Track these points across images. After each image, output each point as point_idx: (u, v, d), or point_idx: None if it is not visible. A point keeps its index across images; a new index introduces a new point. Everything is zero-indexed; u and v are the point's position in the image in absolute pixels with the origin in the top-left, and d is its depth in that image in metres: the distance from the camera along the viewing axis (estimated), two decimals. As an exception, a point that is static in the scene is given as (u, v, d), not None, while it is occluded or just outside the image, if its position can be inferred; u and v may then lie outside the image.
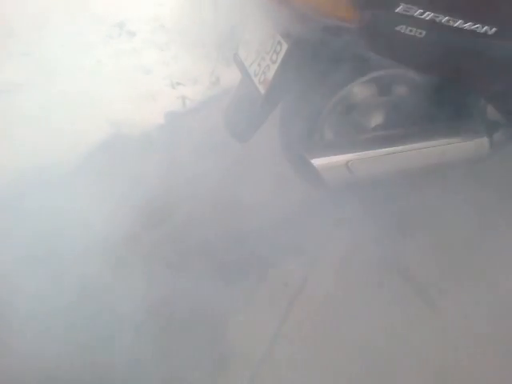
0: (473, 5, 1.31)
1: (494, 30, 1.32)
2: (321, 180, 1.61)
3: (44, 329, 1.60)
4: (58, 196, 1.97)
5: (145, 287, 1.71)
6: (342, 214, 1.96)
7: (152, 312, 1.66)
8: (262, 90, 1.49)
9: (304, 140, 1.63)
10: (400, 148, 1.64)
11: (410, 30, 1.30)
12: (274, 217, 1.98)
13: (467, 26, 1.30)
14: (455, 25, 1.29)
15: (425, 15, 1.27)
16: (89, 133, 2.25)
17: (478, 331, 1.62)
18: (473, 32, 1.32)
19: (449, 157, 1.68)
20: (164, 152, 2.28)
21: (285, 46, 1.43)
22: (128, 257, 1.82)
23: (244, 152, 2.21)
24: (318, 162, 1.55)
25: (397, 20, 1.28)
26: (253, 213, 1.97)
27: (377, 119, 1.76)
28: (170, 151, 2.28)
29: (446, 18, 1.28)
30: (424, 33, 1.30)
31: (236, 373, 1.55)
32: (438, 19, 1.28)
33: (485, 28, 1.32)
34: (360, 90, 1.71)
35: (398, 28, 1.29)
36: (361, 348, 1.60)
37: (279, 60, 1.45)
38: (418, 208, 1.99)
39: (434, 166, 1.75)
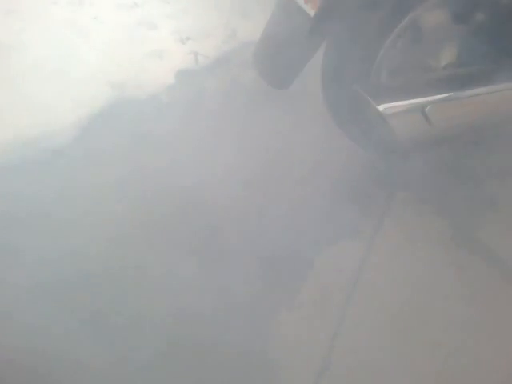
0: None
1: None
2: (387, 136, 1.21)
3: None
4: (50, 171, 1.62)
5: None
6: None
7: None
8: (309, 10, 1.09)
9: (361, 82, 1.23)
10: (488, 89, 1.24)
11: None
12: (317, 191, 1.61)
13: None
14: None
15: None
16: (86, 97, 1.86)
17: None
18: None
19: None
20: (176, 116, 1.90)
21: None
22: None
23: (269, 112, 1.85)
24: (387, 109, 1.15)
25: None
26: (291, 187, 1.60)
27: (450, 55, 1.36)
28: (182, 114, 1.91)
29: None
30: None
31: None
32: None
33: None
34: (429, 16, 1.31)
35: None
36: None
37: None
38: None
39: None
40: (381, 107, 1.17)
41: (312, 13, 1.09)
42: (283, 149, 1.74)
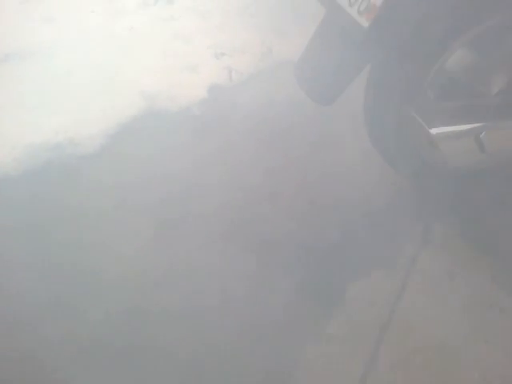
0: None
1: None
2: (436, 161, 1.12)
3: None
4: (75, 177, 1.57)
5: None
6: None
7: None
8: (364, 21, 1.02)
9: (410, 103, 1.15)
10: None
11: None
12: (352, 218, 1.52)
13: None
14: None
15: None
16: (118, 107, 1.83)
17: None
18: None
19: None
20: (205, 129, 1.84)
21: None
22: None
23: (306, 130, 1.78)
24: (439, 133, 1.06)
25: None
26: (327, 210, 1.52)
27: (503, 81, 1.28)
28: (212, 128, 1.85)
29: None
30: None
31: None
32: None
33: None
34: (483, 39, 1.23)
35: None
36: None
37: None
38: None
39: None
40: (433, 131, 1.08)
41: (366, 24, 1.02)
42: (314, 168, 1.67)
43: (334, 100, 1.19)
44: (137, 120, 1.83)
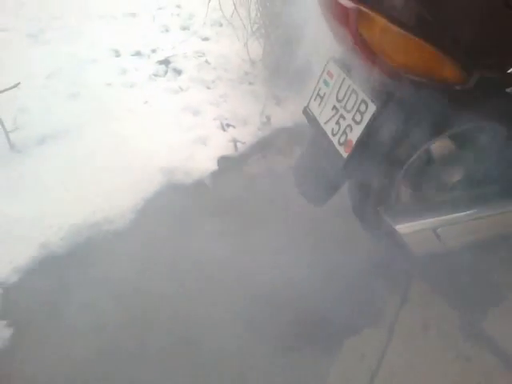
0: None
1: None
2: (404, 247, 1.45)
3: None
4: (113, 252, 1.87)
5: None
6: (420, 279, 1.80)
7: None
8: (343, 152, 1.36)
9: (382, 202, 1.48)
10: (496, 210, 1.47)
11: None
12: (341, 282, 1.82)
13: None
14: None
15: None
16: (142, 184, 2.14)
17: None
18: None
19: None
20: (217, 199, 2.16)
21: (372, 107, 1.29)
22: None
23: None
24: (403, 228, 1.39)
25: (509, 82, 1.13)
26: (320, 276, 1.82)
27: (458, 175, 1.61)
28: (223, 199, 2.17)
29: None
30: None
31: None
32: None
33: None
34: (440, 146, 1.56)
35: (508, 90, 1.15)
36: None
37: (365, 121, 1.32)
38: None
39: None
40: (401, 227, 1.41)
41: (345, 155, 1.35)
42: (312, 239, 1.97)
43: (325, 201, 1.52)
44: (158, 195, 2.14)
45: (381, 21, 1.11)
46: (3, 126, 2.21)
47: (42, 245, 1.86)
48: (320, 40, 1.76)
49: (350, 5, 1.08)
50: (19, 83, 2.26)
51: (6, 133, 2.21)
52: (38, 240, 1.88)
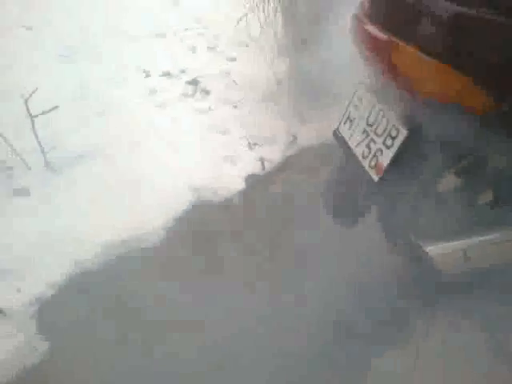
0: None
1: None
2: (433, 268, 1.45)
3: None
4: (141, 269, 1.91)
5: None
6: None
7: None
8: (374, 175, 1.38)
9: (412, 225, 1.49)
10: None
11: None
12: (370, 301, 1.82)
13: None
14: None
15: None
16: (173, 203, 2.19)
17: None
18: None
19: None
20: (243, 219, 2.19)
21: (403, 132, 1.31)
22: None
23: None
24: (433, 250, 1.40)
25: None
26: (347, 294, 1.83)
27: (487, 196, 1.61)
28: (250, 218, 2.20)
29: None
30: None
31: None
32: None
33: None
34: (470, 168, 1.56)
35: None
36: None
37: (396, 146, 1.34)
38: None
39: None
40: (431, 249, 1.42)
41: (376, 178, 1.37)
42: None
43: (353, 223, 1.54)
44: (188, 213, 2.19)
45: (412, 50, 1.14)
46: (41, 146, 2.29)
47: (75, 261, 1.92)
48: (345, 61, 1.81)
49: (384, 37, 1.11)
50: (58, 106, 2.34)
51: (44, 153, 2.29)
52: (71, 257, 1.94)
